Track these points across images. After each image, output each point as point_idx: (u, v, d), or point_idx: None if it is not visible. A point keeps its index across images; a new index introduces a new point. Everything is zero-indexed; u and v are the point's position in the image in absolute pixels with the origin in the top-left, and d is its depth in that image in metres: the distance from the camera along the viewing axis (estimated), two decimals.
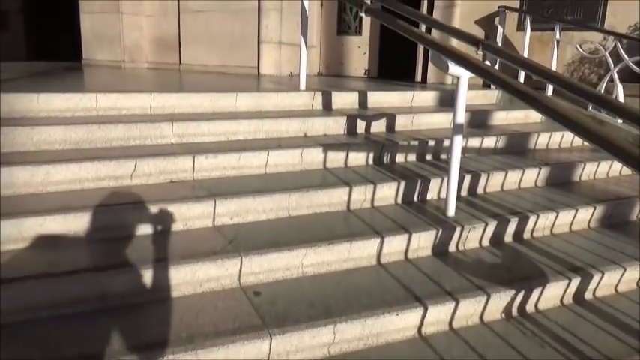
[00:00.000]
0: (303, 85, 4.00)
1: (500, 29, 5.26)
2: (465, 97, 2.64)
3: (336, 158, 3.16)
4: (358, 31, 6.76)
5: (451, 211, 2.75)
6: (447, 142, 3.52)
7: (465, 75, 2.53)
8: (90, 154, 2.67)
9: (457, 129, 2.65)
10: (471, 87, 3.77)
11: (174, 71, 6.87)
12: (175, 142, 3.02)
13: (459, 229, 2.63)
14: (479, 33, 5.40)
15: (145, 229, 2.32)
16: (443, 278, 2.33)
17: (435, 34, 4.52)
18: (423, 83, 5.71)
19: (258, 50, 6.42)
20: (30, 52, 9.42)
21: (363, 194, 2.83)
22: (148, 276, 2.01)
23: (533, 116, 4.51)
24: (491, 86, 5.15)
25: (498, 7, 5.26)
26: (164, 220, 2.35)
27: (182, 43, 7.05)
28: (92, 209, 2.24)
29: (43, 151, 2.68)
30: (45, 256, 2.07)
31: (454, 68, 2.47)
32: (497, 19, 5.24)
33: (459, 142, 2.66)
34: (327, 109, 3.90)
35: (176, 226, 2.40)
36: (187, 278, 2.07)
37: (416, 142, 3.44)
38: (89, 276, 1.95)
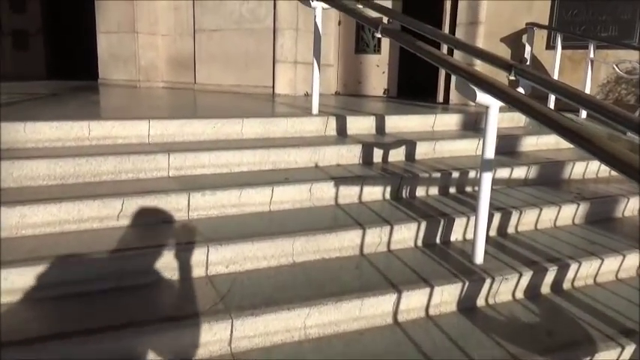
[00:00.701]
0: (315, 109, 3.69)
1: (528, 48, 4.89)
2: (495, 129, 2.29)
3: (349, 193, 2.82)
4: (377, 50, 6.46)
5: (479, 258, 2.38)
6: (472, 174, 3.16)
7: (495, 105, 2.18)
8: (75, 190, 2.39)
9: (486, 165, 2.29)
10: None
11: (188, 91, 6.66)
12: (172, 174, 2.73)
13: (488, 280, 2.25)
14: (504, 52, 5.04)
15: (125, 282, 2.01)
16: (471, 343, 1.96)
17: (457, 55, 4.20)
18: (445, 104, 5.36)
19: (274, 69, 6.17)
20: (49, 71, 9.38)
21: (378, 236, 2.48)
22: (121, 345, 1.70)
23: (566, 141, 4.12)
24: None
25: (526, 24, 4.90)
26: (149, 271, 2.05)
27: (197, 62, 6.86)
28: (66, 259, 1.95)
29: (24, 187, 2.40)
30: (4, 318, 1.78)
31: (483, 97, 2.13)
32: (524, 37, 4.88)
33: (488, 180, 2.30)
34: (342, 135, 3.58)
35: (162, 277, 2.09)
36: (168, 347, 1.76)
37: (438, 174, 3.08)
38: (54, 344, 1.64)
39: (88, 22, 7.88)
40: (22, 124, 2.69)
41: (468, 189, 3.18)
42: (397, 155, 3.40)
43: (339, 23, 6.59)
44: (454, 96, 5.29)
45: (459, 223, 2.68)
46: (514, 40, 4.97)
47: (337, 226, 2.45)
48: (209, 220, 2.46)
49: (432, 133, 3.96)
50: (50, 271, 1.90)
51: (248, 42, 6.33)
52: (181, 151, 2.78)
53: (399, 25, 2.71)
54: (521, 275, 2.32)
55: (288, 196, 2.67)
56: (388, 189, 2.93)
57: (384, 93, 6.47)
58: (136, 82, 7.43)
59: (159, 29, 7.55)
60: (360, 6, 3.30)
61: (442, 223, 2.64)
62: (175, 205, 2.41)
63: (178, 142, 3.03)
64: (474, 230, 2.38)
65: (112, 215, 2.29)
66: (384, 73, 6.44)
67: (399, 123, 3.88)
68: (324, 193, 2.75)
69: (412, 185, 3.00)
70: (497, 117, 2.27)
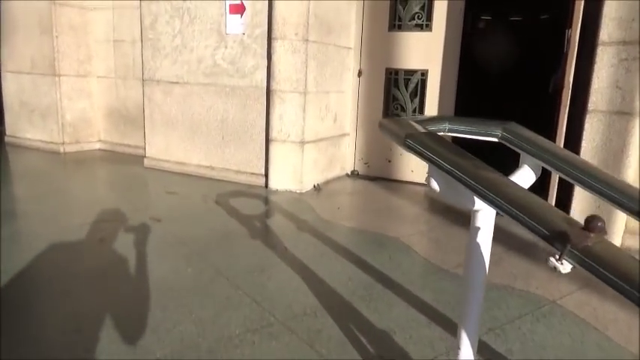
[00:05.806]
0: None
1: None
2: None
3: None
4: (418, 114, 4.08)
5: None
6: None
7: None
8: None
9: None
10: None
11: (134, 168, 4.00)
12: None
13: None
14: None
15: None
16: None
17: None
18: None
19: (267, 150, 3.69)
20: None
21: None
22: None
23: None
24: None
25: None
26: None
27: (148, 125, 4.25)
28: None
29: None
30: None
31: None
32: None
33: None
34: None
35: None
36: None
37: None
38: None
39: None
40: None
41: None
42: None
43: (360, 74, 4.15)
44: (578, 204, 2.97)
45: None
46: None
47: None
48: None
49: None
50: None
51: (226, 105, 3.80)
52: None
53: None
54: None
55: None
56: None
57: (427, 180, 4.09)
58: (59, 146, 4.74)
59: (93, 69, 4.85)
60: None
61: None
62: None
63: None
64: None
65: None
66: None
67: None
68: None
69: None
70: None
